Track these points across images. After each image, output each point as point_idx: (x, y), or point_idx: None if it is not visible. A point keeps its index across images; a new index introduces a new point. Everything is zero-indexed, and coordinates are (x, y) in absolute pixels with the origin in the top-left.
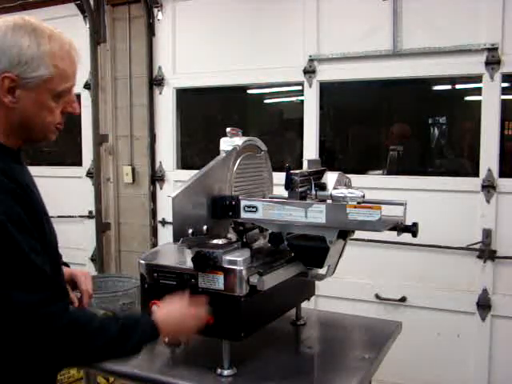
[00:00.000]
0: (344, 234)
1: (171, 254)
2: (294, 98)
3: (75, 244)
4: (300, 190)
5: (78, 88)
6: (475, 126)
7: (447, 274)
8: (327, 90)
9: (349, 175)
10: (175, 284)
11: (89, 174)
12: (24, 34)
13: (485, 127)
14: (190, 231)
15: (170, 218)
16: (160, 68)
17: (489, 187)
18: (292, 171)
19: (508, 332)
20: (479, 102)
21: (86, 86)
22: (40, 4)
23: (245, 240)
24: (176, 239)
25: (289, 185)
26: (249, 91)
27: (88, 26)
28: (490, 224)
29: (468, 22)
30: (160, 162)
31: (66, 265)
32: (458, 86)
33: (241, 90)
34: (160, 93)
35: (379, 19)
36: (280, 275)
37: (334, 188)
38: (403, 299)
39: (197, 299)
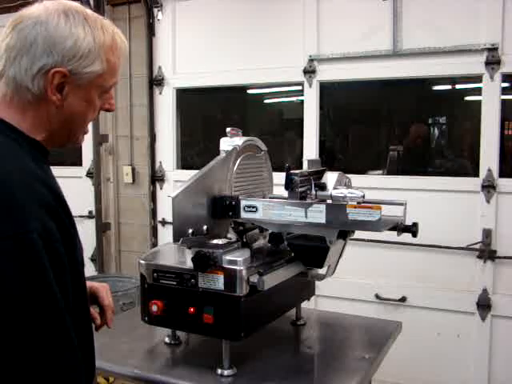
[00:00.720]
0: (344, 234)
1: (171, 253)
2: (294, 98)
3: None
4: (300, 189)
5: None
6: (475, 126)
7: (447, 274)
8: (327, 90)
9: (349, 175)
10: (175, 284)
11: (89, 174)
12: (78, 22)
13: (485, 127)
14: (190, 231)
15: (169, 218)
16: (160, 68)
17: (489, 187)
18: (292, 171)
19: (508, 332)
20: (479, 101)
21: None
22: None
23: (245, 240)
24: (176, 239)
25: (289, 185)
26: (249, 91)
27: None
28: (490, 224)
29: (468, 21)
30: (160, 162)
31: None
32: (458, 86)
33: (241, 89)
34: (160, 93)
35: (379, 19)
36: (280, 275)
37: (334, 188)
38: (403, 299)
39: None
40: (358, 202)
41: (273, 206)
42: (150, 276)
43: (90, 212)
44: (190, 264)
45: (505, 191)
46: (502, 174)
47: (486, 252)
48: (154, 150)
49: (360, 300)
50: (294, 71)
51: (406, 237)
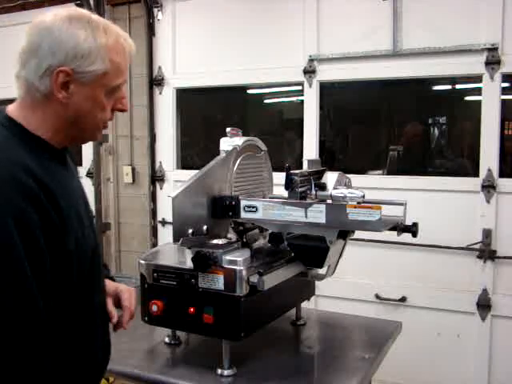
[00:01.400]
0: (344, 234)
1: (171, 253)
2: (294, 98)
3: None
4: (300, 189)
5: None
6: (475, 126)
7: (447, 274)
8: (327, 90)
9: (349, 175)
10: (175, 284)
11: (89, 174)
12: (80, 26)
13: (485, 127)
14: (190, 231)
15: (169, 218)
16: (160, 68)
17: (489, 187)
18: (292, 171)
19: (508, 332)
20: (479, 101)
21: None
22: (40, 4)
23: (245, 240)
24: (176, 239)
25: (289, 185)
26: (249, 91)
27: None
28: (490, 224)
29: (468, 21)
30: (160, 162)
31: (112, 279)
32: (458, 86)
33: (241, 89)
34: (160, 93)
35: (379, 19)
36: (280, 275)
37: (334, 188)
38: (403, 299)
39: None
40: (358, 202)
41: (273, 206)
42: (150, 276)
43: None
44: (189, 264)
45: (505, 191)
46: (502, 174)
47: (486, 252)
48: (153, 149)
49: (360, 300)
50: (293, 71)
51: (406, 237)
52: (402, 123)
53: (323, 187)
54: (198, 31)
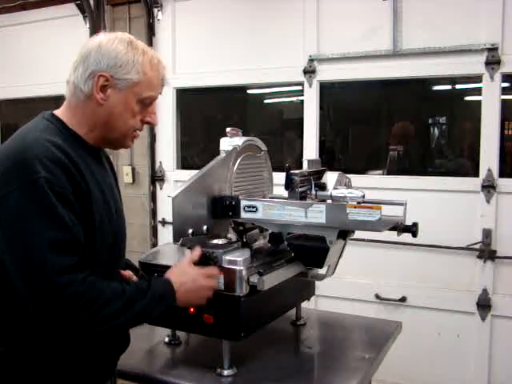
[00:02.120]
0: (344, 234)
1: (171, 253)
2: (294, 98)
3: None
4: (300, 189)
5: None
6: (475, 126)
7: (447, 274)
8: (327, 90)
9: (349, 175)
10: None
11: None
12: (122, 43)
13: (485, 127)
14: (190, 231)
15: (170, 218)
16: None
17: (489, 187)
18: (292, 171)
19: (508, 332)
20: (479, 101)
21: None
22: (40, 4)
23: (245, 240)
24: (176, 239)
25: (289, 185)
26: (249, 91)
27: (88, 25)
28: (490, 224)
29: (468, 21)
30: (160, 162)
31: (136, 270)
32: (458, 86)
33: (241, 89)
34: (160, 92)
35: (379, 19)
36: (280, 275)
37: (334, 188)
38: (403, 299)
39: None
40: (358, 202)
41: (273, 206)
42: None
43: None
44: None
45: (505, 191)
46: (501, 174)
47: (486, 252)
48: (154, 150)
49: (360, 300)
50: (294, 71)
51: (406, 237)
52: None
53: (323, 187)
54: (197, 31)
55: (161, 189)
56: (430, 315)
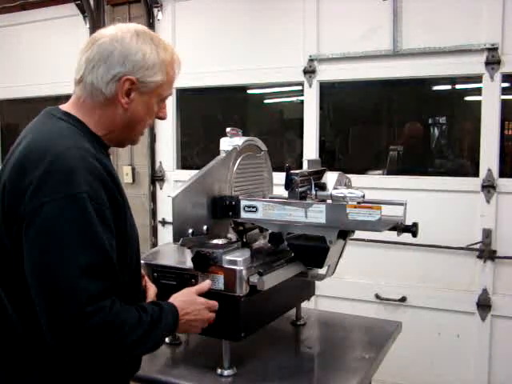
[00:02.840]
0: (344, 234)
1: (171, 253)
2: (294, 98)
3: None
4: (300, 189)
5: None
6: (475, 126)
7: (447, 274)
8: (327, 90)
9: (349, 175)
10: (175, 284)
11: None
12: (146, 41)
13: (485, 127)
14: (190, 231)
15: (169, 218)
16: None
17: (489, 187)
18: (292, 171)
19: (508, 332)
20: (479, 101)
21: None
22: (40, 4)
23: (245, 240)
24: (176, 239)
25: (289, 185)
26: (249, 91)
27: (88, 25)
28: (490, 224)
29: (468, 21)
30: (160, 162)
31: None
32: (458, 86)
33: (241, 89)
34: None
35: (379, 19)
36: (280, 275)
37: (334, 188)
38: (403, 299)
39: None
40: (358, 202)
41: (273, 206)
42: (150, 276)
43: None
44: (189, 264)
45: (505, 191)
46: (501, 174)
47: (486, 252)
48: (153, 150)
49: (360, 300)
50: (294, 71)
51: (406, 237)
52: (402, 123)
53: (323, 187)
54: (197, 31)
55: (161, 189)
56: (429, 315)
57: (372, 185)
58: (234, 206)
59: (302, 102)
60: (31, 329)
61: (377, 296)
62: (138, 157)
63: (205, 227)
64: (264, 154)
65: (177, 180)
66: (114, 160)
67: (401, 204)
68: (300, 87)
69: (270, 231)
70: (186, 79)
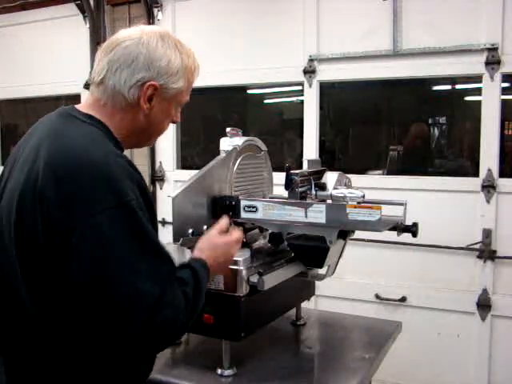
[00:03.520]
0: (344, 234)
1: (171, 254)
2: (294, 98)
3: None
4: (300, 189)
5: (78, 88)
6: (475, 126)
7: (447, 274)
8: (327, 90)
9: (349, 175)
10: None
11: None
12: (170, 46)
13: (485, 127)
14: (190, 231)
15: (170, 218)
16: None
17: (489, 187)
18: (292, 171)
19: (508, 332)
20: (479, 101)
21: (86, 86)
22: (40, 4)
23: (245, 240)
24: (176, 239)
25: (289, 185)
26: (249, 91)
27: (88, 25)
28: (490, 224)
29: (468, 21)
30: (160, 162)
31: None
32: (458, 86)
33: (241, 89)
34: None
35: (379, 19)
36: (280, 275)
37: (334, 188)
38: (403, 299)
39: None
40: (358, 202)
41: (273, 206)
42: None
43: None
44: None
45: (505, 191)
46: (501, 174)
47: (486, 252)
48: (153, 150)
49: (360, 300)
50: (294, 71)
51: (406, 237)
52: (402, 123)
53: (323, 187)
54: (197, 31)
55: (161, 189)
56: (430, 315)
57: (372, 185)
58: (234, 205)
59: (302, 102)
60: (55, 336)
61: (377, 296)
62: (138, 157)
63: (205, 227)
64: (264, 154)
65: (177, 180)
66: None
67: (401, 204)
68: (300, 87)
69: (269, 231)
70: None
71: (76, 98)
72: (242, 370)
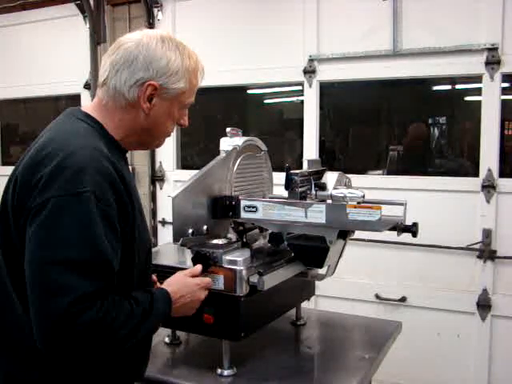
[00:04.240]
0: (344, 234)
1: (171, 254)
2: (294, 98)
3: None
4: (300, 190)
5: (78, 88)
6: (475, 126)
7: (447, 274)
8: (327, 90)
9: (349, 175)
10: None
11: None
12: (171, 47)
13: (485, 127)
14: (190, 231)
15: (170, 218)
16: None
17: (489, 187)
18: (292, 171)
19: (508, 332)
20: (479, 101)
21: (86, 86)
22: (40, 4)
23: (245, 240)
24: (176, 239)
25: (289, 185)
26: (249, 91)
27: (88, 25)
28: (490, 224)
29: (468, 21)
30: (160, 162)
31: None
32: (458, 86)
33: (241, 89)
34: None
35: (379, 19)
36: (280, 275)
37: (334, 188)
38: (403, 299)
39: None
40: (358, 202)
41: (273, 206)
42: None
43: None
44: (189, 264)
45: (505, 191)
46: (501, 174)
47: (486, 252)
48: (153, 150)
49: (360, 300)
50: (294, 71)
51: (406, 237)
52: (402, 123)
53: (323, 187)
54: (197, 31)
55: (161, 189)
56: (429, 315)
57: (372, 185)
58: (233, 206)
59: (302, 102)
60: None
61: (377, 296)
62: (138, 157)
63: (205, 227)
64: (264, 154)
65: (177, 180)
66: None
67: (401, 204)
68: (300, 87)
69: (269, 231)
70: None
71: (76, 98)
72: (242, 370)
